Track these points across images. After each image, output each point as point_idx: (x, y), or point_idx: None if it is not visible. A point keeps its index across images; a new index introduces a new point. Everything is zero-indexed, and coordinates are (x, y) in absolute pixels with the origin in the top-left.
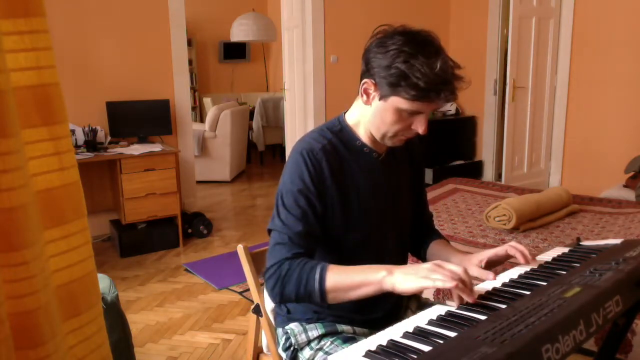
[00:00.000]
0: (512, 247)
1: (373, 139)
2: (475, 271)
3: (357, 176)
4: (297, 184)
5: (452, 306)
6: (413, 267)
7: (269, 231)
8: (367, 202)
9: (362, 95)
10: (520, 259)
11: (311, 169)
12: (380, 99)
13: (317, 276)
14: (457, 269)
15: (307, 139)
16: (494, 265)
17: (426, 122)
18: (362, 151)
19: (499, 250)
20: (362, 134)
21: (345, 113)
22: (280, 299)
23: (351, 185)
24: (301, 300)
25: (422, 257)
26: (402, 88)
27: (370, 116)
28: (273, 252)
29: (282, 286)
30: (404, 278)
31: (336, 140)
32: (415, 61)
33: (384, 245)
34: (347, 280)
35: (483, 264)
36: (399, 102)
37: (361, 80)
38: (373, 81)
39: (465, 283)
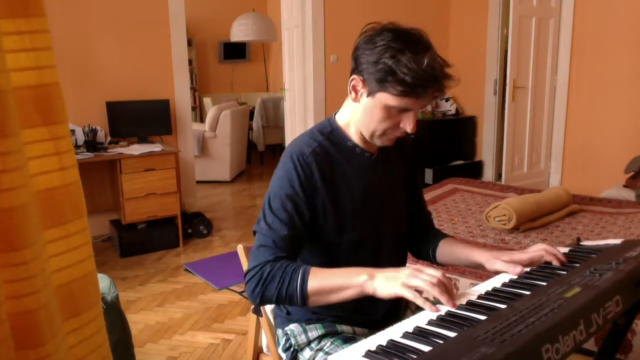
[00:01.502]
0: (548, 252)
1: (363, 139)
2: (501, 265)
3: (350, 177)
4: (286, 188)
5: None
6: (394, 271)
7: (254, 233)
8: (361, 203)
9: (350, 92)
10: (557, 264)
11: (301, 174)
12: (368, 96)
13: (298, 279)
14: (436, 273)
15: (297, 142)
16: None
17: (415, 120)
18: (354, 152)
19: (534, 256)
20: (353, 134)
21: (335, 114)
22: (260, 301)
23: (343, 187)
24: (281, 303)
25: (430, 258)
26: (389, 84)
27: (359, 114)
28: (256, 254)
29: (263, 288)
30: (384, 283)
31: (327, 142)
32: (402, 57)
33: (380, 246)
34: (328, 283)
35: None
36: (386, 98)
37: (349, 78)
38: (361, 77)
39: (445, 287)
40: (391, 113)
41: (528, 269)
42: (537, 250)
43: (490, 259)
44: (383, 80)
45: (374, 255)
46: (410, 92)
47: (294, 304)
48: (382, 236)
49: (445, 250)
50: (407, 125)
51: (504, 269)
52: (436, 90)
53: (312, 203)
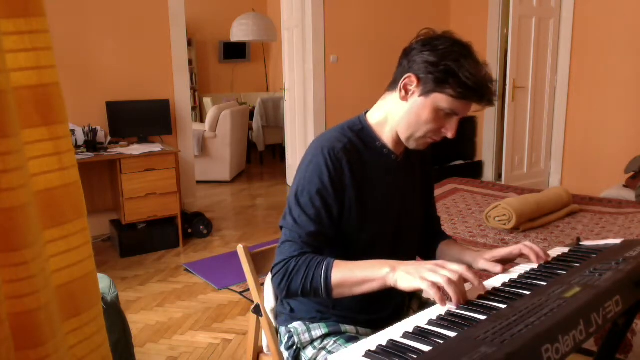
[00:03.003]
0: (526, 246)
1: (395, 140)
2: (484, 264)
3: (375, 176)
4: (316, 183)
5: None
6: (415, 264)
7: (281, 227)
8: (383, 202)
9: (400, 91)
10: (534, 259)
11: (332, 169)
12: (420, 95)
13: (322, 273)
14: (458, 268)
15: (328, 137)
16: (506, 263)
17: (457, 127)
18: (382, 152)
19: (514, 250)
20: (386, 134)
21: (366, 113)
22: (286, 294)
23: (368, 185)
24: (307, 296)
25: (431, 258)
26: (449, 85)
27: (403, 114)
28: (282, 249)
29: (289, 282)
30: (406, 276)
31: (356, 139)
32: (465, 62)
33: (395, 245)
34: (352, 276)
35: (494, 260)
36: (440, 99)
37: (400, 77)
38: (417, 76)
39: (456, 283)
40: (439, 115)
41: (521, 272)
42: (517, 245)
43: (476, 258)
44: (443, 80)
45: (388, 253)
46: (468, 96)
47: (319, 297)
48: (398, 236)
49: (441, 251)
50: (450, 130)
51: (486, 268)
52: (486, 101)
53: (340, 198)
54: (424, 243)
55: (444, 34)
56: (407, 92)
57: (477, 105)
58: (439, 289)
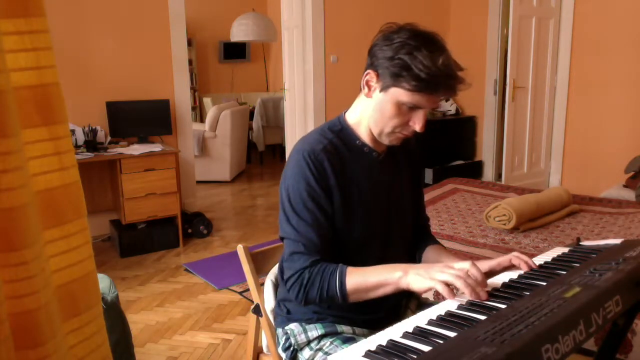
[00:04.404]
0: (517, 257)
1: (372, 137)
2: None
3: (358, 176)
4: (304, 187)
5: (462, 300)
6: (424, 266)
7: (282, 239)
8: (368, 202)
9: (363, 87)
10: (525, 269)
11: (314, 171)
12: (381, 91)
13: (337, 281)
14: (465, 265)
15: (308, 139)
16: (495, 274)
17: (424, 119)
18: (362, 151)
19: (503, 261)
20: (363, 133)
21: (345, 112)
22: (305, 304)
23: (352, 184)
24: (324, 303)
25: (417, 261)
26: (403, 79)
27: (370, 110)
28: (291, 261)
29: (305, 293)
30: (417, 278)
31: (337, 140)
32: (418, 53)
33: (386, 244)
34: (365, 282)
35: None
36: (399, 93)
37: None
38: (376, 72)
39: (469, 281)
40: (402, 110)
41: (515, 277)
42: (507, 256)
43: None
44: (398, 75)
45: (381, 253)
46: (423, 88)
47: (336, 303)
48: (388, 235)
49: (427, 255)
50: (417, 123)
51: None
52: (447, 90)
53: (328, 198)
54: (412, 243)
55: (403, 27)
56: (369, 88)
57: (440, 95)
58: (448, 285)
